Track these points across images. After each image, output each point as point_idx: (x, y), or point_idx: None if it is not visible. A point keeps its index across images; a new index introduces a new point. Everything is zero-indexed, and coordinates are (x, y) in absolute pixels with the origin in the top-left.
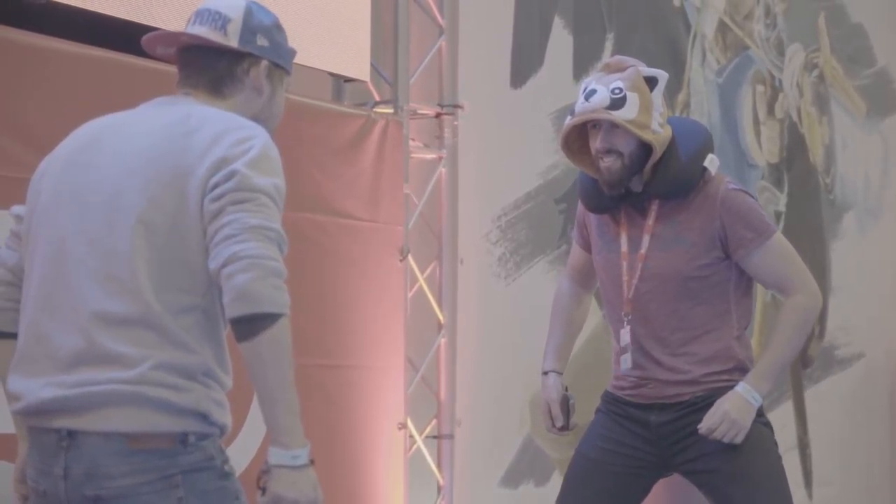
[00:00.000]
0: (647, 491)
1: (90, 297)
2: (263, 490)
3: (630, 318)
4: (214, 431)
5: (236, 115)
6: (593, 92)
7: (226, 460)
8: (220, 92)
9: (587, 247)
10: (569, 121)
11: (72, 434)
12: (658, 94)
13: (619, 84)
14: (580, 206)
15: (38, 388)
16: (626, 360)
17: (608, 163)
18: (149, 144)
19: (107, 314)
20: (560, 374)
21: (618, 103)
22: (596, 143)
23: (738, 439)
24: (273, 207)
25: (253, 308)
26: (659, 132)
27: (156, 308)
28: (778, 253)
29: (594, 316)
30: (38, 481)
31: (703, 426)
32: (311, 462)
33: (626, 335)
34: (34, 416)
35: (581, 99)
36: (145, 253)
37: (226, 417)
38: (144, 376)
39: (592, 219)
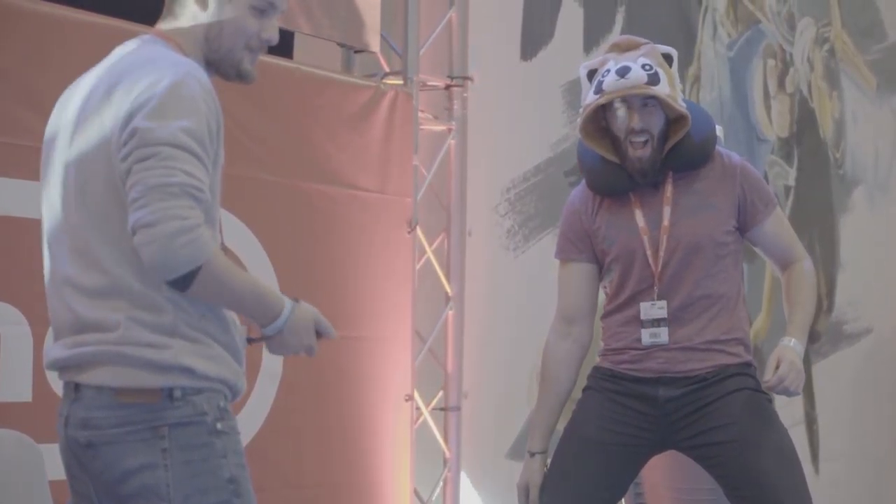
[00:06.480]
0: (639, 469)
1: (69, 274)
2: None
3: (659, 292)
4: (208, 386)
5: (162, 55)
6: (627, 69)
7: (221, 418)
8: (172, 11)
9: (591, 253)
10: (595, 99)
11: (77, 387)
12: (676, 71)
13: (647, 61)
14: (568, 212)
15: (54, 349)
16: (662, 335)
17: (639, 151)
18: (79, 113)
19: (83, 288)
20: (546, 456)
21: (654, 79)
22: (632, 124)
23: (799, 390)
24: (180, 156)
25: (171, 275)
26: (684, 107)
27: (117, 274)
28: (783, 221)
29: None
30: (57, 423)
31: (771, 378)
32: (295, 301)
33: (659, 310)
34: (53, 370)
35: (612, 76)
36: (94, 225)
37: (223, 371)
38: (123, 337)
39: (592, 211)
